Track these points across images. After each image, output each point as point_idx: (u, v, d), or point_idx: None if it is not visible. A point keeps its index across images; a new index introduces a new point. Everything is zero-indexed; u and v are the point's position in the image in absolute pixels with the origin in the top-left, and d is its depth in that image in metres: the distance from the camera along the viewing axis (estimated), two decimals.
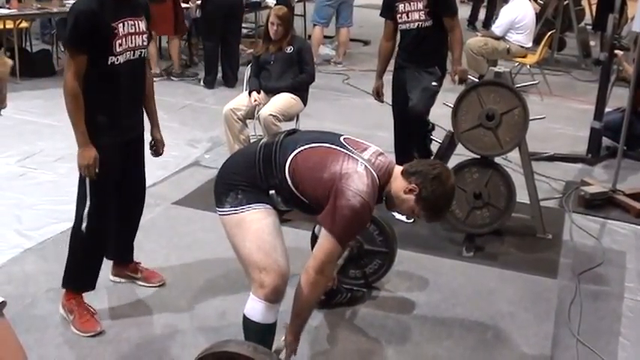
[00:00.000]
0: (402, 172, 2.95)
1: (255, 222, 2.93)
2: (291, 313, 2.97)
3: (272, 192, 2.97)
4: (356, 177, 2.81)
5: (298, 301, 2.91)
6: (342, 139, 3.01)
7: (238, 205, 2.95)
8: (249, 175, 2.98)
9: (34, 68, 8.28)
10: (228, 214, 2.98)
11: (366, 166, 2.87)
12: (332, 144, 2.96)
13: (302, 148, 2.95)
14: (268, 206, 2.98)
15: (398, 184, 2.95)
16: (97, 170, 3.32)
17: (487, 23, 12.70)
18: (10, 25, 8.31)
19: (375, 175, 2.88)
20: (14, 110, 6.84)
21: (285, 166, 2.93)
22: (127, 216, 3.81)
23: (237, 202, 2.96)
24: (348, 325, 3.69)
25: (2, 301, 1.31)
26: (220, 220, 3.05)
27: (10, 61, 1.46)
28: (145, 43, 3.45)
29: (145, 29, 3.42)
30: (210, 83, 8.53)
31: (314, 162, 2.91)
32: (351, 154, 2.90)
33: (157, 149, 3.80)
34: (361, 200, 2.77)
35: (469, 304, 3.94)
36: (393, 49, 5.24)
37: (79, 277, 3.58)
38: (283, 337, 2.99)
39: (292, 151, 2.94)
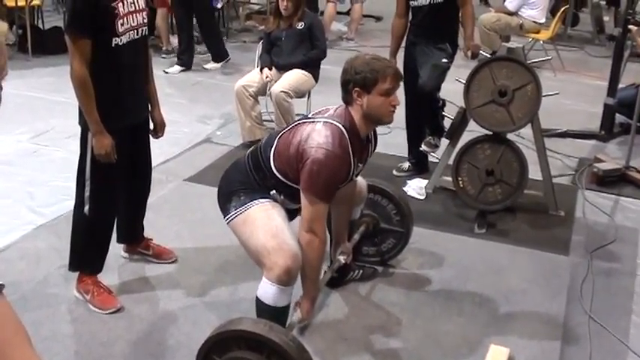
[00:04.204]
0: (345, 103, 3.02)
1: (260, 213, 2.98)
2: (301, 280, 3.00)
3: (273, 192, 3.04)
4: (315, 134, 2.89)
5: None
6: (310, 114, 3.11)
7: (242, 205, 3.01)
8: (247, 183, 3.06)
9: (45, 45, 8.25)
10: (235, 217, 3.03)
11: (324, 121, 2.94)
12: (297, 123, 3.04)
13: (276, 141, 3.01)
14: (272, 200, 3.04)
15: (354, 109, 2.99)
16: (115, 156, 3.29)
17: None
18: (22, 2, 8.31)
19: (339, 124, 2.92)
20: (26, 87, 6.88)
21: (270, 164, 3.00)
22: (135, 200, 3.80)
23: (241, 202, 3.02)
24: (359, 301, 3.69)
25: (0, 284, 1.30)
26: (230, 229, 3.09)
27: (4, 24, 1.42)
28: (146, 21, 3.38)
29: (144, 6, 3.35)
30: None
31: (283, 145, 2.97)
32: (312, 120, 2.99)
33: (157, 131, 3.71)
34: (324, 152, 2.82)
35: (481, 280, 3.93)
36: (405, 27, 5.17)
37: (85, 260, 3.57)
38: (295, 314, 3.01)
39: (271, 148, 3.01)
